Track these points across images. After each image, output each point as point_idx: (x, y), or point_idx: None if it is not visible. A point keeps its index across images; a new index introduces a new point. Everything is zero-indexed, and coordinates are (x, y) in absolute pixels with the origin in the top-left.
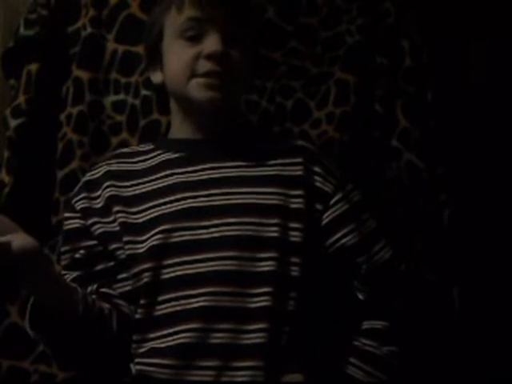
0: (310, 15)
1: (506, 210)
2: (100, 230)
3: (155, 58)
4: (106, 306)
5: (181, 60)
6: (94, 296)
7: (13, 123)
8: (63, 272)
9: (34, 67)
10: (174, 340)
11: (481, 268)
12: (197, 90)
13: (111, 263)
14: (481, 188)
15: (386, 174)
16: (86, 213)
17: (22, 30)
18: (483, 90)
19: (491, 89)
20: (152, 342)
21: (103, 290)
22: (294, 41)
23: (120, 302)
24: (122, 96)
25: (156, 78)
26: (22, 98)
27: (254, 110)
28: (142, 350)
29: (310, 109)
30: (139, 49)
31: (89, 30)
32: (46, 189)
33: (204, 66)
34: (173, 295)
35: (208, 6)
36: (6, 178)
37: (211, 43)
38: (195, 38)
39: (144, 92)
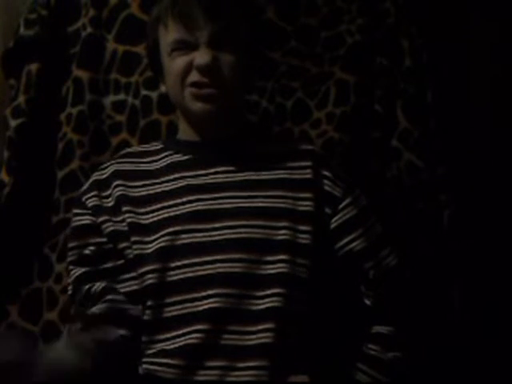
0: (310, 15)
1: (506, 209)
2: (110, 229)
3: (157, 70)
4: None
5: (174, 70)
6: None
7: (13, 123)
8: (70, 267)
9: (33, 67)
10: (182, 341)
11: (481, 268)
12: (190, 100)
13: (120, 262)
14: (481, 188)
15: (386, 173)
16: (98, 210)
17: (22, 29)
18: (483, 90)
19: (491, 88)
20: (161, 344)
21: (111, 296)
22: (293, 41)
23: (129, 306)
24: (122, 96)
25: (162, 87)
26: (21, 98)
27: (254, 110)
28: (150, 351)
29: (310, 109)
30: (139, 49)
31: (89, 29)
32: (46, 189)
33: (194, 76)
34: (181, 297)
35: (191, 18)
36: (6, 178)
37: (200, 55)
38: (185, 50)
39: (144, 92)
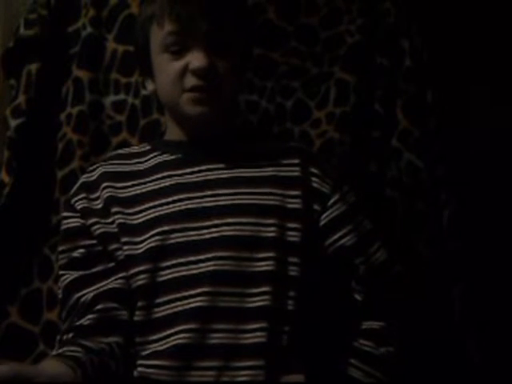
0: (310, 15)
1: (506, 209)
2: (100, 231)
3: (145, 66)
4: (103, 346)
5: (168, 75)
6: (92, 314)
7: (13, 123)
8: (61, 272)
9: (33, 67)
10: (171, 341)
11: (481, 268)
12: (187, 104)
13: (111, 264)
14: (481, 188)
15: (386, 173)
16: (87, 213)
17: (22, 29)
18: (483, 90)
19: (491, 88)
20: (153, 345)
21: (101, 306)
22: (294, 41)
23: (119, 313)
24: (122, 96)
25: (149, 86)
26: (22, 98)
27: (254, 109)
28: (144, 353)
29: (310, 109)
30: None
31: (89, 29)
32: (46, 189)
33: (191, 80)
34: (171, 297)
35: (188, 20)
36: (6, 178)
37: (196, 58)
38: (180, 52)
39: (144, 92)
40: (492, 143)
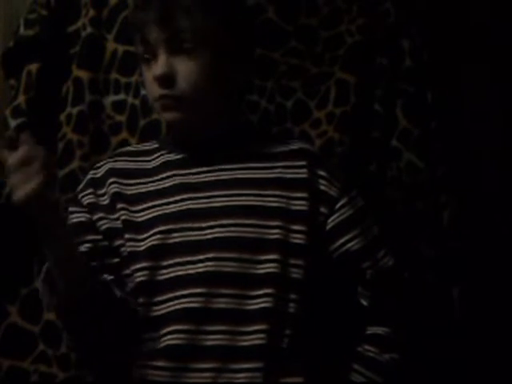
0: (310, 15)
1: (507, 210)
2: (106, 226)
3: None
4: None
5: (146, 85)
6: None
7: (13, 123)
8: None
9: (33, 67)
10: (164, 341)
11: (481, 269)
12: (160, 111)
13: (116, 259)
14: (481, 188)
15: (386, 173)
16: (93, 208)
17: (22, 29)
18: (483, 90)
19: (491, 89)
20: (150, 343)
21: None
22: (294, 41)
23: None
24: (122, 96)
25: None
26: (22, 98)
27: (254, 110)
28: (142, 351)
29: (310, 109)
30: None
31: (89, 29)
32: None
33: (156, 90)
34: (168, 296)
35: (151, 39)
36: None
37: (156, 66)
38: (149, 60)
39: (144, 92)
40: (492, 143)
